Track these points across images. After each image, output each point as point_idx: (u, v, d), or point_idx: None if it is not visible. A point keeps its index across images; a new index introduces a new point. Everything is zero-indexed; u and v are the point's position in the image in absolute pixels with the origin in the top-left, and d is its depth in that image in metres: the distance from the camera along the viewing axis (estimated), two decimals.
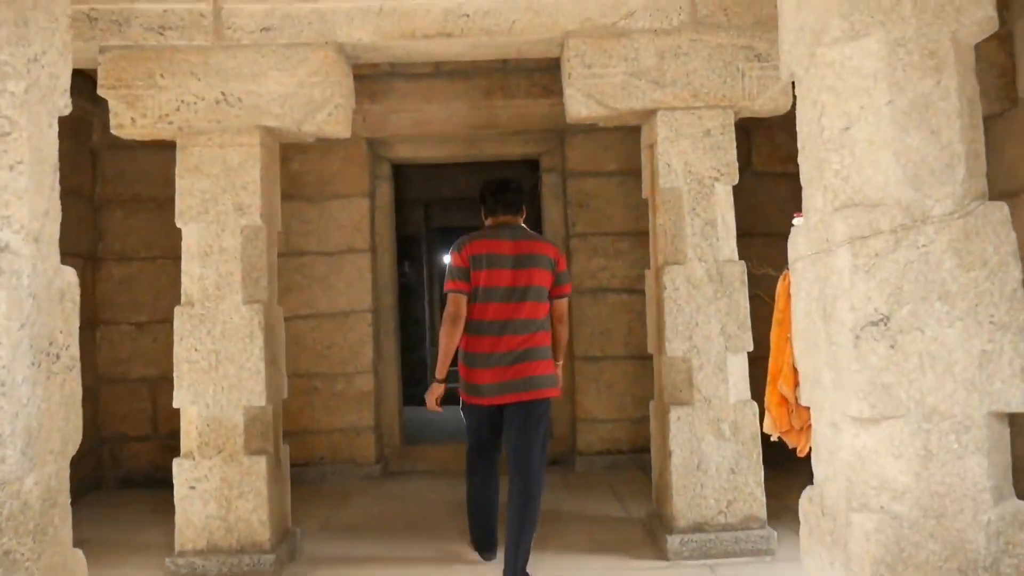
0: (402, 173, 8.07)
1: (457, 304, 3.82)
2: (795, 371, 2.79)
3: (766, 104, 4.34)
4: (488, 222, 4.05)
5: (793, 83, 2.39)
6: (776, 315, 3.08)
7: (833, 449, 2.17)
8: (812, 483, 2.34)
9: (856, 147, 2.10)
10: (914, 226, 2.00)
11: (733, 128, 4.32)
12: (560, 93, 6.45)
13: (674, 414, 4.17)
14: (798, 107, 2.33)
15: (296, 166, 6.43)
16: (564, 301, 4.01)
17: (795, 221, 2.61)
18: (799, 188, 2.33)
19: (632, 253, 6.41)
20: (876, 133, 2.06)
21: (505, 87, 6.44)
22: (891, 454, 2.01)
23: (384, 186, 6.84)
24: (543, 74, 6.39)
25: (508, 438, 3.83)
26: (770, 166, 6.58)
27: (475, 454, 4.07)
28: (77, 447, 2.04)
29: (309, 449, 6.33)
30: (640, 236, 6.35)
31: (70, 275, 2.04)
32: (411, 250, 11.16)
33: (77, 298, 2.05)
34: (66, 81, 2.05)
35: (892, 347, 2.00)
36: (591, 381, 6.41)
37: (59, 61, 2.01)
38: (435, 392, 3.93)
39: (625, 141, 6.39)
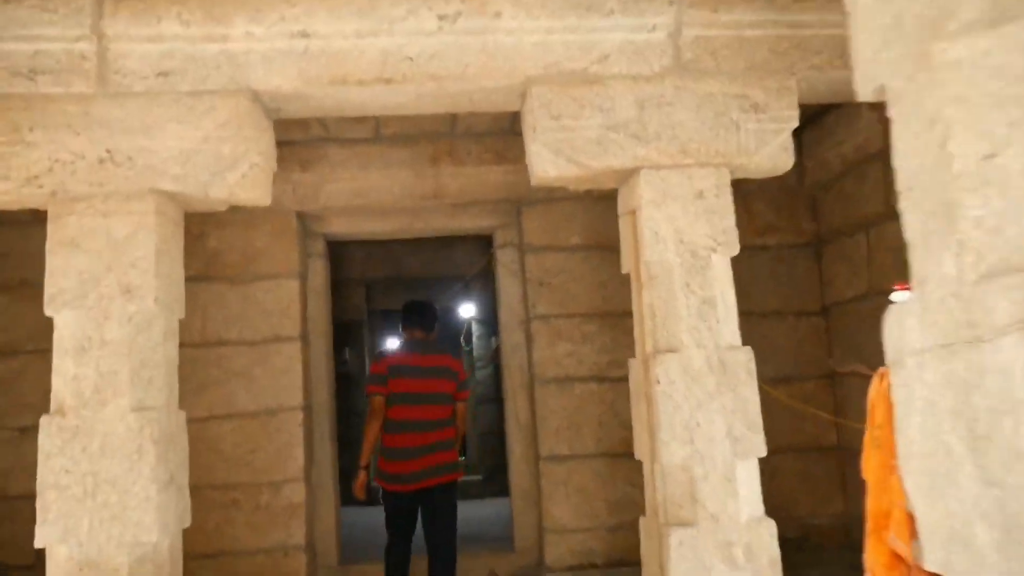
0: (339, 251, 7.27)
1: (377, 404, 4.73)
2: (911, 517, 2.01)
3: (764, 162, 3.70)
4: (405, 336, 5.03)
5: (880, 105, 1.68)
6: (871, 432, 2.29)
7: None
8: None
9: (1010, 182, 1.39)
10: None
11: (730, 189, 3.65)
12: (516, 160, 5.81)
13: (675, 538, 3.36)
14: (898, 134, 1.62)
15: (214, 243, 5.60)
16: (464, 404, 5.03)
17: (895, 296, 1.86)
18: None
19: (601, 336, 5.67)
20: None
21: (453, 153, 5.75)
22: None
23: (318, 264, 6.03)
24: (496, 138, 5.73)
25: (426, 519, 4.79)
26: (746, 239, 5.92)
27: (395, 538, 4.81)
28: None
29: (229, 575, 5.33)
30: (610, 317, 5.63)
31: None
32: (352, 336, 10.29)
33: None
34: None
35: None
36: (558, 485, 5.57)
37: None
38: (360, 479, 4.83)
39: (590, 211, 5.73)
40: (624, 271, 3.90)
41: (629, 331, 6.03)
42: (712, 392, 3.47)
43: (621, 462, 5.55)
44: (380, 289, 10.32)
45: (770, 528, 3.43)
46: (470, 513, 8.37)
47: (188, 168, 3.40)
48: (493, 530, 7.26)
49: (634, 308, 3.81)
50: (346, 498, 6.55)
